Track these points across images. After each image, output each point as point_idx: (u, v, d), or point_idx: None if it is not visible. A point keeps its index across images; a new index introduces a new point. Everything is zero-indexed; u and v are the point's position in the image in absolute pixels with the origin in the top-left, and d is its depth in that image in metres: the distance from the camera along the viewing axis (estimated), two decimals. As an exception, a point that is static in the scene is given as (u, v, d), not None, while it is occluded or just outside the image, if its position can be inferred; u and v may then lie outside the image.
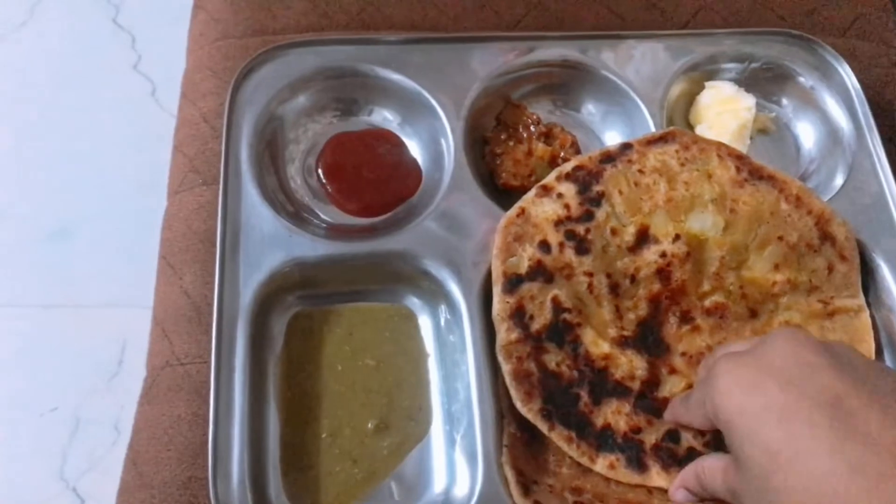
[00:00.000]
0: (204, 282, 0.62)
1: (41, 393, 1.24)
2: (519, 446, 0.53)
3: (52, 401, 1.24)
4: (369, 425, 0.55)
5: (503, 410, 0.54)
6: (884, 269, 0.61)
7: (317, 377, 0.57)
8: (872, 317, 0.60)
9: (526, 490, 0.51)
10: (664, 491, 0.52)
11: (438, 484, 0.54)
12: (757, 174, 0.61)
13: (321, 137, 0.65)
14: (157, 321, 0.64)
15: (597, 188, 0.59)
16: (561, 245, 0.57)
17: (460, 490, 0.52)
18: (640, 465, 0.52)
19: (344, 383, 0.57)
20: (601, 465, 0.52)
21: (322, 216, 0.63)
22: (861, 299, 0.60)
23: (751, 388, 0.41)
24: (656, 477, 0.51)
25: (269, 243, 0.58)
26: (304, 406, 0.56)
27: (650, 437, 0.53)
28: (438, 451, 0.55)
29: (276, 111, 0.64)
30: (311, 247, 0.58)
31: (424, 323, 0.59)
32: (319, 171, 0.64)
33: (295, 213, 0.61)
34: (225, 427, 0.51)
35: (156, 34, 1.60)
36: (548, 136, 0.67)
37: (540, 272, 0.56)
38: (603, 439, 0.53)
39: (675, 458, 0.52)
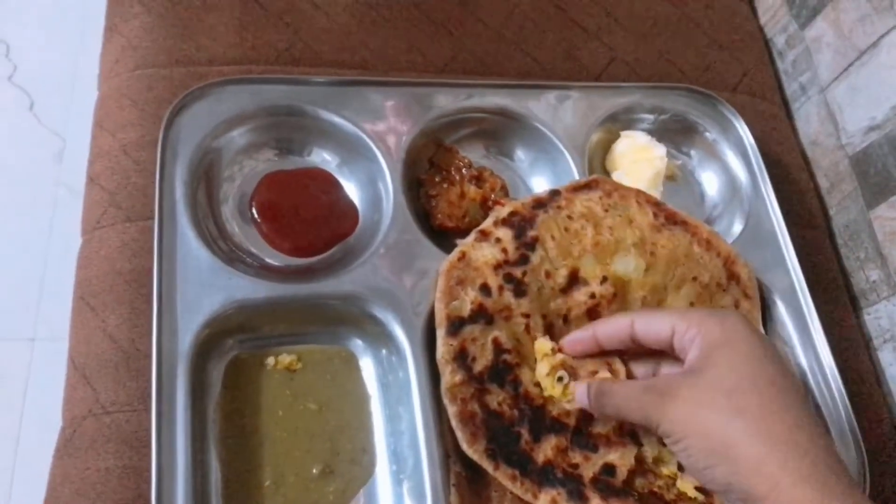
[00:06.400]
0: (132, 325, 0.59)
1: None
2: (465, 485, 0.55)
3: (-86, 444, 1.13)
4: (314, 471, 0.55)
5: (448, 450, 0.55)
6: (779, 305, 0.68)
7: (258, 423, 0.56)
8: (770, 349, 0.67)
9: (473, 528, 0.53)
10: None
11: (386, 526, 0.54)
12: (672, 220, 0.66)
13: (257, 176, 0.64)
14: (75, 366, 0.60)
15: (531, 233, 0.61)
16: (500, 288, 0.59)
17: (409, 531, 0.53)
18: (581, 498, 0.54)
19: (286, 429, 0.56)
20: (544, 500, 0.54)
21: (259, 256, 0.62)
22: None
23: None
24: (596, 509, 0.54)
25: (208, 285, 0.56)
26: (246, 454, 0.54)
27: (588, 471, 0.56)
28: (385, 492, 0.55)
29: (211, 149, 0.62)
30: (252, 289, 0.57)
31: (366, 365, 0.60)
32: (253, 209, 0.63)
33: (231, 253, 0.60)
34: (168, 481, 0.49)
35: (32, 43, 1.50)
36: (479, 179, 0.69)
37: (481, 315, 0.58)
38: (545, 475, 0.55)
39: (612, 489, 0.55)
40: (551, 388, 0.56)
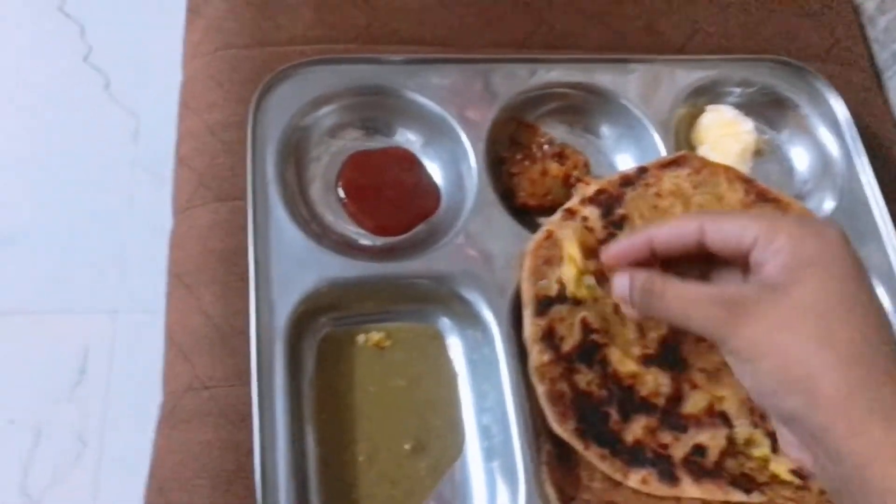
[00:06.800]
0: (226, 303, 0.61)
1: (-4, 404, 1.19)
2: (555, 463, 0.55)
3: (9, 413, 1.19)
4: (406, 446, 0.56)
5: (538, 428, 0.56)
6: (875, 285, 0.66)
7: (350, 399, 0.57)
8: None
9: (566, 506, 0.53)
10: (695, 500, 0.54)
11: (479, 502, 0.55)
12: (763, 197, 0.64)
13: (342, 156, 0.65)
14: (173, 341, 0.62)
15: (619, 211, 0.61)
16: (588, 267, 0.58)
17: (501, 508, 0.54)
18: (671, 478, 0.54)
19: (377, 405, 0.57)
20: (634, 480, 0.54)
21: (348, 236, 0.63)
22: (854, 313, 0.64)
23: None
24: (688, 488, 0.54)
25: (301, 264, 0.57)
26: (339, 429, 0.56)
27: (678, 451, 0.56)
28: (476, 469, 0.56)
29: (300, 128, 0.63)
30: (343, 268, 0.58)
31: (454, 343, 0.60)
32: (339, 189, 0.64)
33: (321, 232, 0.61)
34: (270, 455, 0.51)
35: (107, 23, 1.54)
36: (560, 157, 0.68)
37: (569, 294, 0.58)
38: (634, 455, 0.55)
39: (703, 470, 0.55)
40: (575, 288, 0.53)
